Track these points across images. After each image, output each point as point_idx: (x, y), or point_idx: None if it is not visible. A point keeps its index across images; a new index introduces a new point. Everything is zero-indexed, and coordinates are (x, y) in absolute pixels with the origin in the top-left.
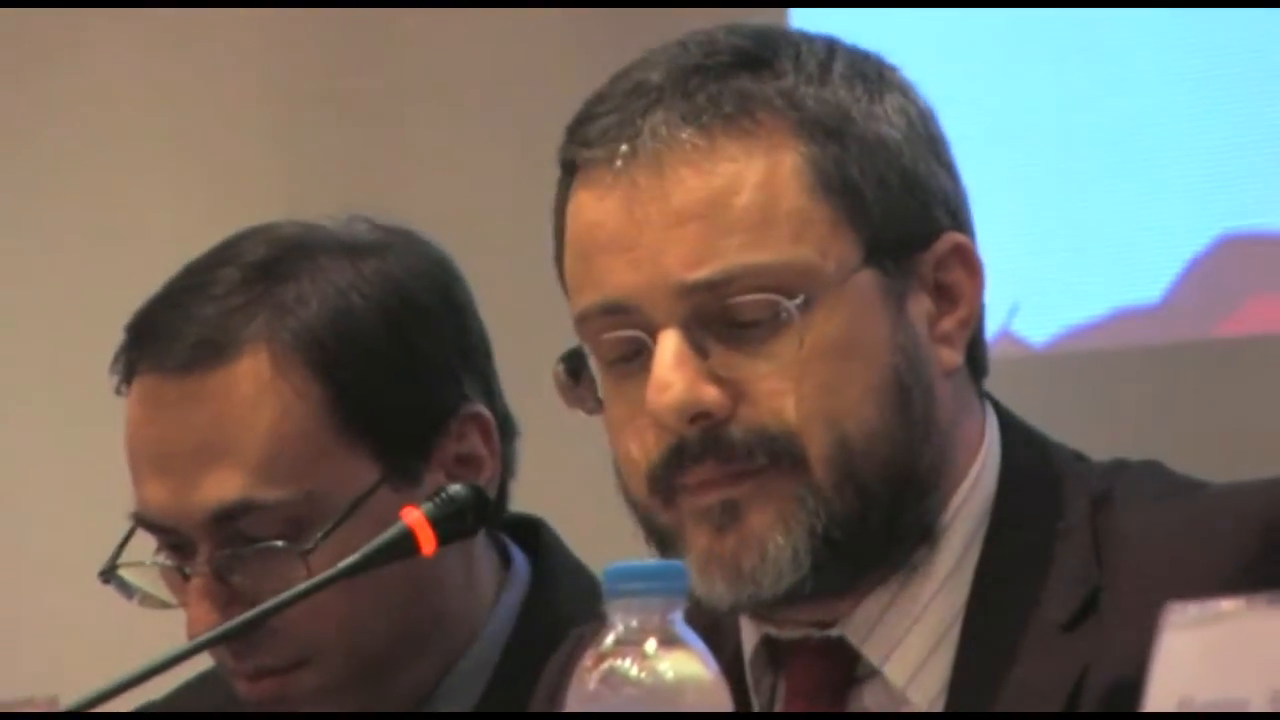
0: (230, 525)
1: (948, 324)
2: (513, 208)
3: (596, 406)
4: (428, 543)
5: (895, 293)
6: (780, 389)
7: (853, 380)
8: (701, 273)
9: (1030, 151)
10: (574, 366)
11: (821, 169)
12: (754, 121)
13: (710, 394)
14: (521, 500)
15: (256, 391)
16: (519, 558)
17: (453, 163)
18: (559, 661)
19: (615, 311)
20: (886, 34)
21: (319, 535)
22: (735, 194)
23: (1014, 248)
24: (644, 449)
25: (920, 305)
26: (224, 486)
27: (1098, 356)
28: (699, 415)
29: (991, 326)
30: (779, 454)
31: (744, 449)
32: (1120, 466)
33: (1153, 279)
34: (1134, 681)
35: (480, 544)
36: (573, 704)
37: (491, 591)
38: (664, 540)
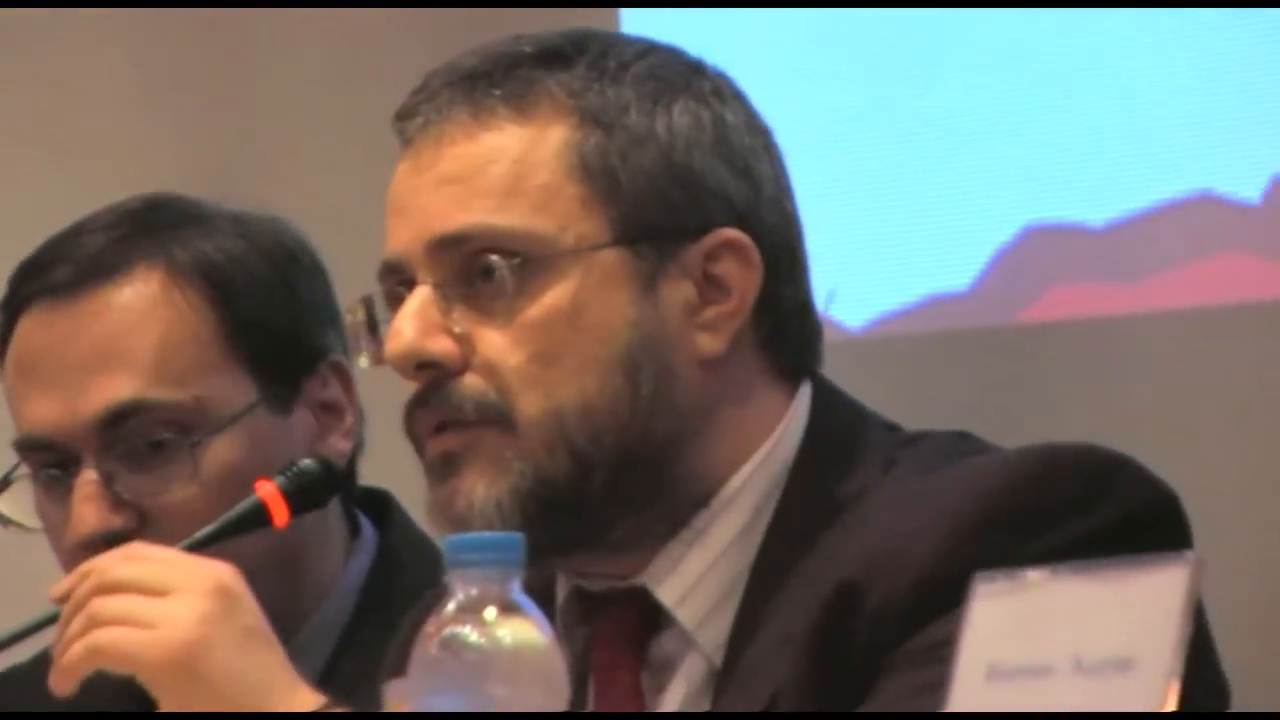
0: (120, 427)
1: (712, 313)
2: (364, 195)
3: (379, 360)
4: (280, 514)
5: (646, 275)
6: (500, 350)
7: (573, 350)
8: (445, 228)
9: (849, 145)
10: (371, 315)
11: (582, 153)
12: (531, 105)
13: (439, 345)
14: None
15: (149, 304)
16: (368, 527)
17: (305, 151)
18: (409, 625)
19: (393, 270)
20: (712, 35)
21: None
22: (494, 163)
23: (832, 237)
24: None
25: (679, 292)
26: (116, 389)
27: (910, 341)
28: (427, 365)
29: None
30: (488, 412)
31: (458, 403)
32: (923, 436)
33: (962, 268)
34: (866, 628)
35: (333, 513)
36: (415, 668)
37: (340, 557)
38: None
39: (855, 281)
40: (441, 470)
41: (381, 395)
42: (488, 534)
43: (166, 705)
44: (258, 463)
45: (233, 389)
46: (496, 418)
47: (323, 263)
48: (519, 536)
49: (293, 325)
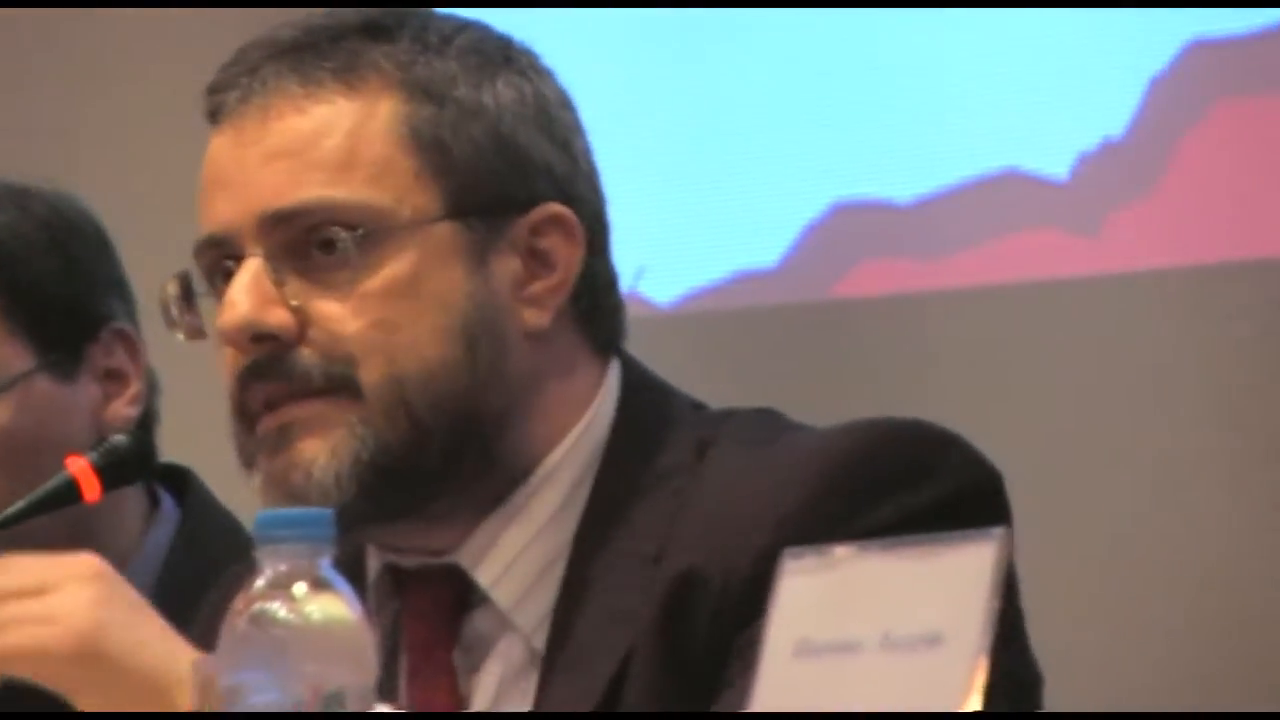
0: None
1: (537, 287)
2: (175, 179)
3: (195, 334)
4: (91, 491)
5: (478, 248)
6: (342, 320)
7: (414, 319)
8: (281, 203)
9: (659, 122)
10: (188, 289)
11: (414, 125)
12: (359, 78)
13: (276, 316)
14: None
15: None
16: (167, 501)
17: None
18: (213, 601)
19: (216, 244)
20: (518, 14)
21: None
22: (326, 136)
23: (642, 213)
24: (226, 372)
25: (508, 266)
26: None
27: (720, 317)
28: (263, 336)
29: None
30: (335, 380)
31: (304, 373)
32: (730, 414)
33: (771, 244)
34: (710, 610)
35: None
36: (224, 644)
37: (137, 531)
38: (251, 464)
39: (665, 257)
40: (277, 442)
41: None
42: (298, 510)
43: (81, 696)
44: (34, 427)
45: (9, 355)
46: (343, 384)
47: (107, 234)
48: (329, 512)
49: (72, 293)
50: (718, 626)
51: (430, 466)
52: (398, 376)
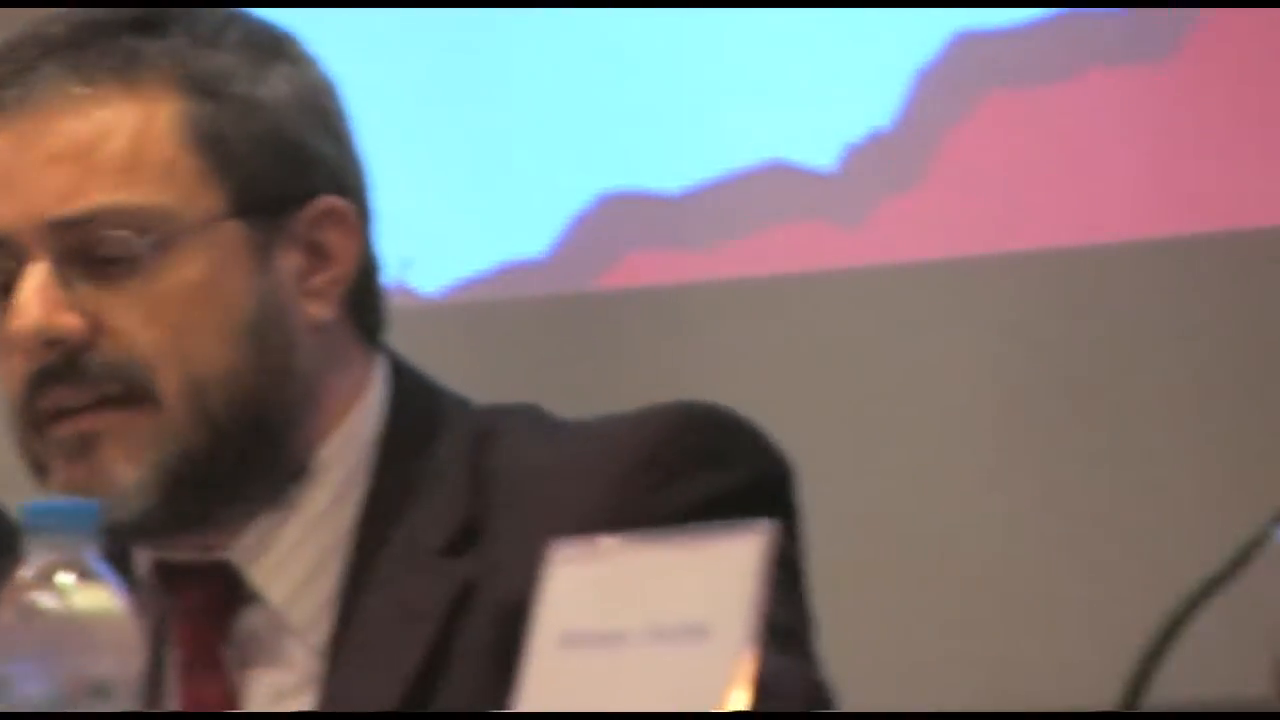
0: None
1: (319, 280)
2: None
3: None
4: None
5: (262, 246)
6: (136, 324)
7: (208, 323)
8: (68, 210)
9: (424, 112)
10: None
11: (196, 124)
12: (138, 76)
13: (67, 321)
14: None
15: None
16: None
17: None
18: None
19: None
20: (294, 17)
21: None
22: (108, 139)
23: (408, 203)
24: (13, 377)
25: (290, 260)
26: None
27: (487, 308)
28: (54, 341)
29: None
30: (134, 388)
31: (99, 377)
32: (499, 409)
33: (538, 235)
34: (518, 603)
35: None
36: None
37: None
38: (39, 470)
39: (432, 248)
40: (78, 451)
41: None
42: (65, 501)
43: None
44: None
45: None
46: (141, 393)
47: None
48: (96, 504)
49: None
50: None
51: (228, 469)
52: (195, 381)
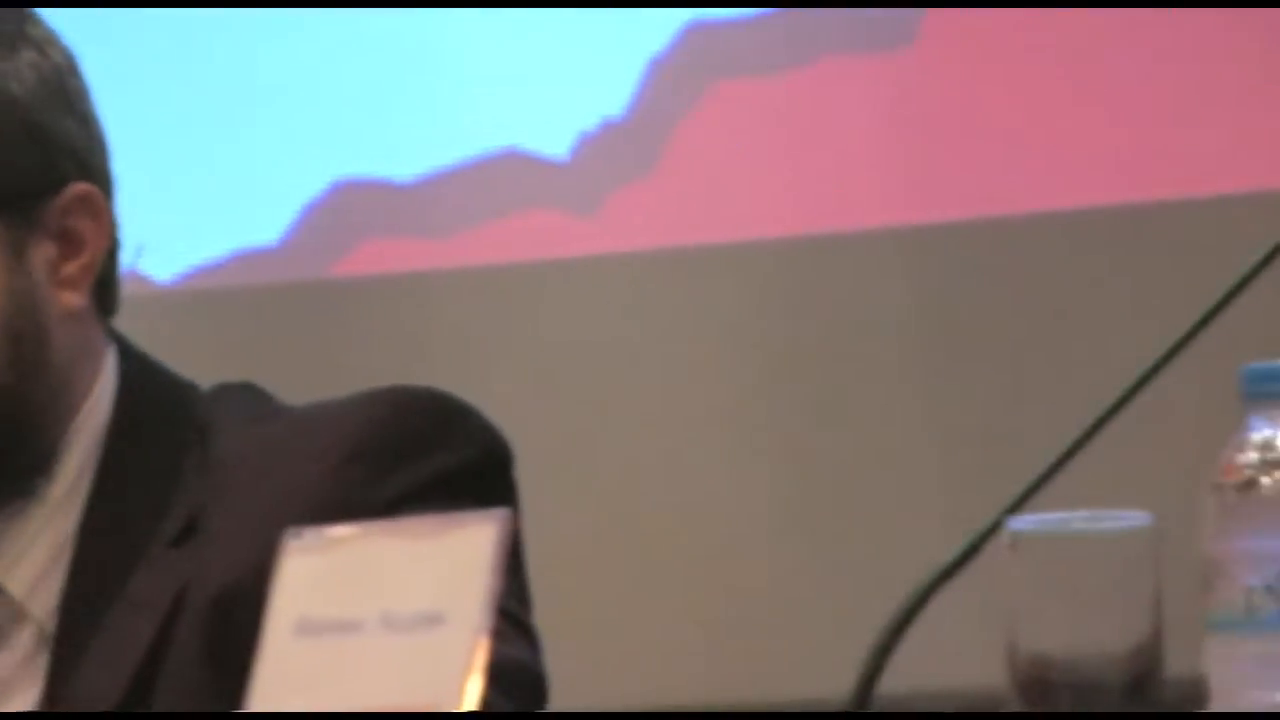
0: None
1: (71, 268)
2: None
3: None
4: None
5: (16, 242)
6: None
7: None
8: None
9: (157, 98)
10: None
11: None
12: None
13: None
14: None
15: None
16: None
17: None
18: None
19: None
20: None
21: None
22: None
23: (141, 189)
24: None
25: (44, 252)
26: None
27: (221, 295)
28: None
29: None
30: None
31: None
32: (220, 392)
33: (272, 222)
34: (234, 592)
35: None
36: None
37: None
38: None
39: (164, 235)
40: None
41: None
42: None
43: None
44: None
45: None
46: None
47: None
48: None
49: None
50: (254, 612)
51: None
52: None
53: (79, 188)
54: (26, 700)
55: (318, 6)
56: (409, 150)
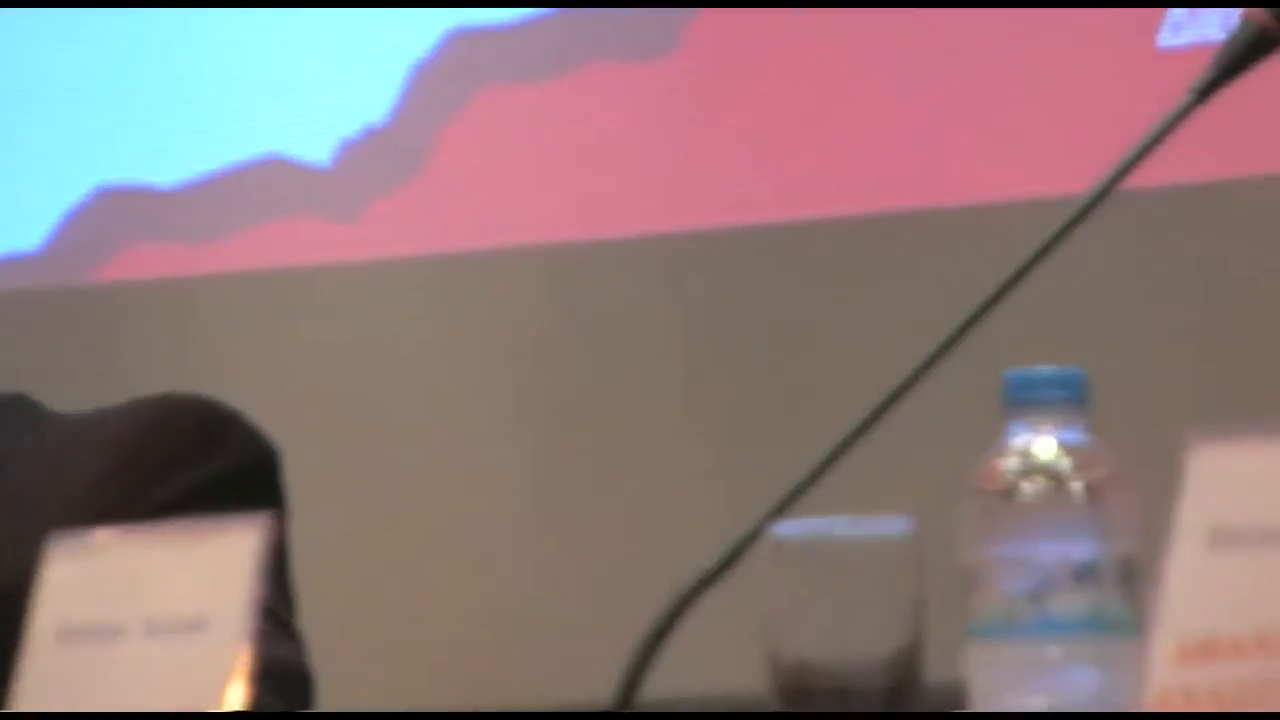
0: None
1: None
2: None
3: None
4: None
5: None
6: None
7: None
8: None
9: None
10: None
11: None
12: None
13: None
14: None
15: None
16: None
17: None
18: None
19: None
20: None
21: None
22: None
23: None
24: None
25: None
26: None
27: None
28: None
29: None
30: None
31: None
32: None
33: (32, 227)
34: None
35: None
36: None
37: None
38: None
39: None
40: None
41: None
42: None
43: None
44: None
45: None
46: None
47: None
48: None
49: None
50: (20, 619)
51: None
52: None
53: None
54: None
55: (78, 7)
56: (171, 156)
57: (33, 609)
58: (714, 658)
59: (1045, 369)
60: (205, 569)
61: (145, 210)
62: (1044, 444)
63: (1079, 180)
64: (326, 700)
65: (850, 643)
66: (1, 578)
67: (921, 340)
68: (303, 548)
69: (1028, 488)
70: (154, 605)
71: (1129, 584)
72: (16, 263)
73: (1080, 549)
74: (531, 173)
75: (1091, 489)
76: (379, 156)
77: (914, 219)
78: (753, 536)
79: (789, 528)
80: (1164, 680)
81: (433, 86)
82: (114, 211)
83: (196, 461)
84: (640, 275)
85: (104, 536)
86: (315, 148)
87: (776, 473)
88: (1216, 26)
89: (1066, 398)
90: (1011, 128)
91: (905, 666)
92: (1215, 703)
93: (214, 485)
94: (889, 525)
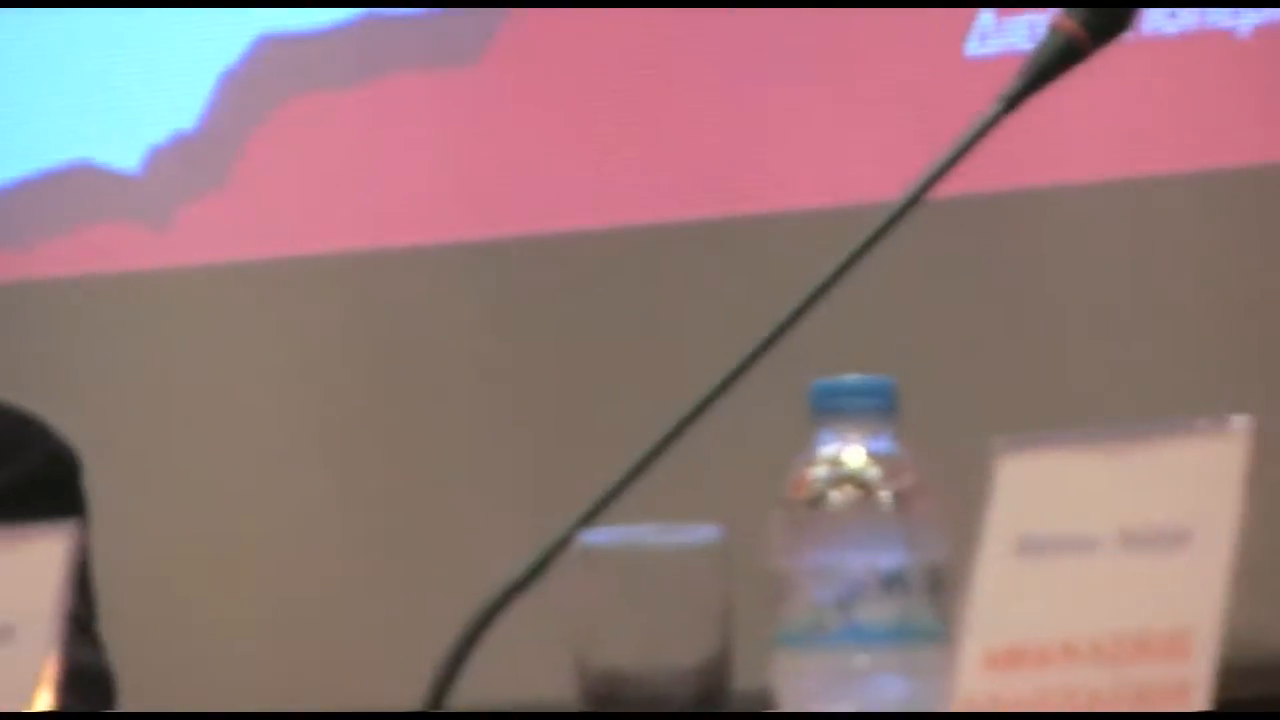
0: None
1: None
2: None
3: None
4: None
5: None
6: None
7: None
8: None
9: None
10: None
11: None
12: None
13: None
14: None
15: None
16: None
17: None
18: None
19: None
20: None
21: None
22: None
23: None
24: None
25: None
26: None
27: None
28: None
29: None
30: None
31: None
32: None
33: None
34: None
35: None
36: None
37: None
38: None
39: None
40: None
41: None
42: None
43: None
44: None
45: None
46: None
47: None
48: None
49: None
50: None
51: None
52: None
53: None
54: None
55: None
56: None
57: None
58: (526, 664)
59: (853, 378)
60: (12, 578)
61: None
62: (852, 453)
63: (889, 188)
64: (131, 701)
65: (659, 650)
66: None
67: (732, 348)
68: (108, 551)
69: (836, 496)
70: None
71: (936, 592)
72: None
73: (888, 558)
74: (340, 179)
75: (899, 498)
76: (188, 163)
77: (725, 226)
78: (562, 544)
79: (598, 535)
80: (971, 688)
81: (242, 93)
82: None
83: None
84: (449, 282)
85: None
86: (125, 154)
87: (589, 480)
88: (1024, 36)
89: (875, 406)
90: (821, 135)
91: (713, 674)
92: (1021, 710)
93: (13, 489)
94: (697, 533)
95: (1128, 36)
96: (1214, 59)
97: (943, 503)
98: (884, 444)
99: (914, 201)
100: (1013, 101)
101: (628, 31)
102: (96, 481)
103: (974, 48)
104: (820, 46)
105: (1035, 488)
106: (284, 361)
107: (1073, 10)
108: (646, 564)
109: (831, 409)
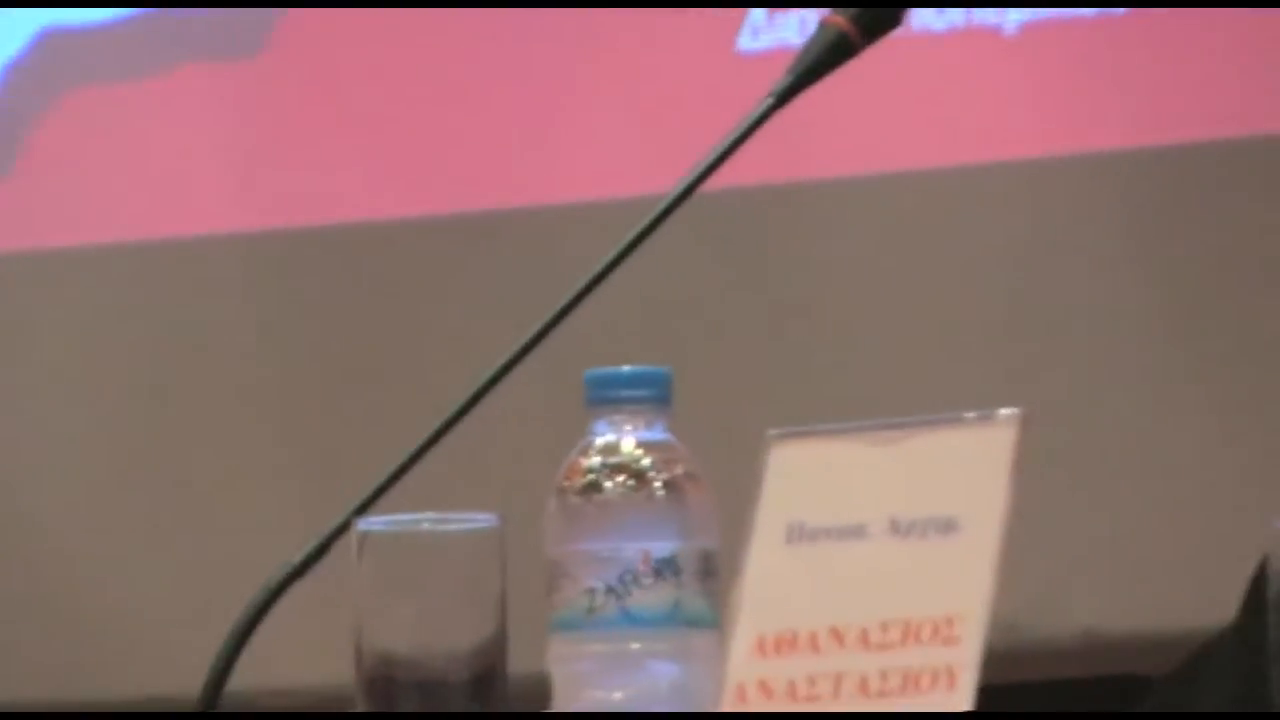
0: None
1: None
2: None
3: None
4: None
5: None
6: None
7: None
8: None
9: None
10: None
11: None
12: None
13: None
14: None
15: None
16: None
17: None
18: None
19: None
20: None
21: None
22: None
23: None
24: None
25: None
26: None
27: None
28: None
29: None
30: None
31: None
32: None
33: None
34: None
35: None
36: None
37: None
38: None
39: None
40: None
41: None
42: None
43: None
44: None
45: None
46: None
47: None
48: None
49: None
50: None
51: None
52: None
53: None
54: None
55: None
56: None
57: None
58: (305, 650)
59: (626, 368)
60: None
61: None
62: (625, 442)
63: (660, 181)
64: None
65: (434, 635)
66: None
67: (509, 338)
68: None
69: (609, 485)
70: None
71: (709, 579)
72: None
73: (660, 545)
74: (124, 171)
75: (672, 486)
76: None
77: (501, 218)
78: (340, 531)
79: (374, 522)
80: (742, 673)
81: (25, 85)
82: None
83: None
84: (232, 272)
85: None
86: None
87: (367, 469)
88: (795, 30)
89: (648, 396)
90: (592, 128)
91: (489, 657)
92: (791, 695)
93: None
94: (473, 521)
95: (898, 33)
96: (982, 55)
97: (716, 491)
98: (657, 433)
99: (687, 194)
100: (784, 96)
101: (404, 24)
102: None
103: (746, 43)
104: (595, 41)
105: (806, 477)
106: (65, 351)
107: (843, 8)
108: (422, 550)
109: (605, 399)
